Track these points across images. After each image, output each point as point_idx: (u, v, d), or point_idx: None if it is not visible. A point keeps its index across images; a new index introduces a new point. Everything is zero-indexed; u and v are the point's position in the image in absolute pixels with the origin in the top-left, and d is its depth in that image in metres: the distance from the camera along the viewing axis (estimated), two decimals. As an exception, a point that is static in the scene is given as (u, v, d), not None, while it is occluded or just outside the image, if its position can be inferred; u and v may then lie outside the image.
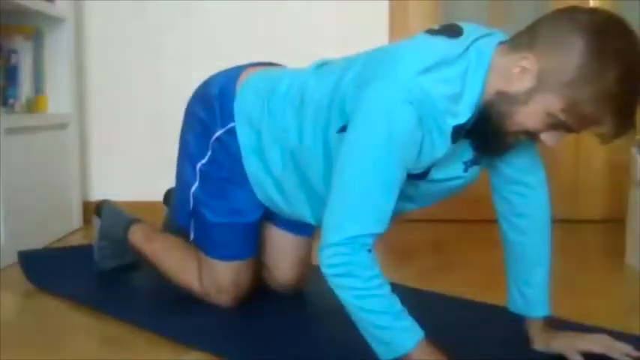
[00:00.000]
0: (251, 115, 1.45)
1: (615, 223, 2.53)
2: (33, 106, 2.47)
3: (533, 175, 1.33)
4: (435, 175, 1.23)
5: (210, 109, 1.51)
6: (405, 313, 1.15)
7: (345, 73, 1.28)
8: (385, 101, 1.11)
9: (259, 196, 1.50)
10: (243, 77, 1.51)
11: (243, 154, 1.47)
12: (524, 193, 1.32)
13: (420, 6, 2.80)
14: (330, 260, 1.14)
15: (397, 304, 1.15)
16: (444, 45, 1.17)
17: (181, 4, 2.78)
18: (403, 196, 1.20)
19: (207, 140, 1.51)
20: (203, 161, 1.52)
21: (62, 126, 2.52)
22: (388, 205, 1.14)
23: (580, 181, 2.86)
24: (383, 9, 2.77)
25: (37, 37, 2.46)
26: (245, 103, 1.47)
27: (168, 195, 1.98)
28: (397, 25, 2.77)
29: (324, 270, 1.15)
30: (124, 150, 2.85)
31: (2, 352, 1.34)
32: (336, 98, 1.26)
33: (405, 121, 1.11)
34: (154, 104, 2.80)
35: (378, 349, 1.16)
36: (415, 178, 1.22)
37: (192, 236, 1.57)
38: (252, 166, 1.47)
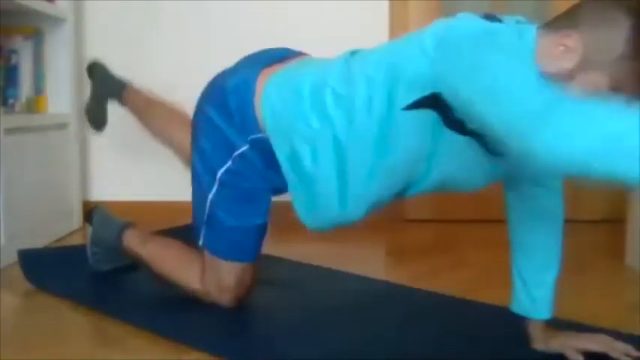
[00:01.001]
0: (282, 127, 1.38)
1: (615, 223, 2.54)
2: (33, 106, 2.47)
3: (552, 179, 1.32)
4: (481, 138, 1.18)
5: (229, 120, 1.45)
6: None
7: (397, 50, 1.23)
8: (478, 27, 1.12)
9: (318, 203, 1.39)
10: (261, 82, 1.43)
11: (283, 163, 1.39)
12: (544, 196, 1.32)
13: (420, 6, 2.80)
14: (548, 142, 0.92)
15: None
16: (492, 24, 1.16)
17: (182, 4, 2.78)
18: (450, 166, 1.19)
19: (226, 151, 1.46)
20: (223, 169, 1.47)
21: (62, 126, 2.52)
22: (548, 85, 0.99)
23: (579, 182, 2.86)
24: (383, 9, 2.78)
25: (37, 37, 2.46)
26: (273, 116, 1.39)
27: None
28: (397, 25, 2.77)
29: (550, 142, 0.91)
30: (124, 150, 2.85)
31: (2, 352, 1.34)
32: (401, 73, 1.19)
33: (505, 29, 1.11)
34: (154, 104, 2.79)
35: None
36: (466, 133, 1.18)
37: (201, 241, 1.53)
38: (289, 175, 1.40)
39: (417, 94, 1.17)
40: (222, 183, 1.48)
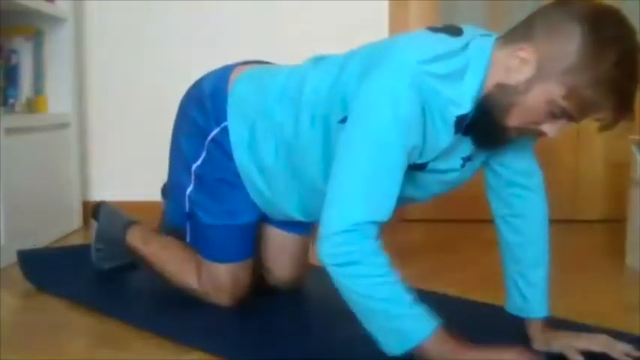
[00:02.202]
0: (245, 110, 1.45)
1: (615, 223, 2.54)
2: (33, 106, 2.47)
3: (531, 178, 1.33)
4: (433, 165, 1.22)
5: (203, 109, 1.52)
6: (417, 301, 1.12)
7: (346, 64, 1.28)
8: (389, 86, 1.12)
9: (249, 191, 1.50)
10: (235, 75, 1.51)
11: (234, 148, 1.47)
12: (522, 195, 1.33)
13: (420, 6, 2.80)
14: (334, 250, 1.11)
15: (409, 292, 1.12)
16: (444, 40, 1.18)
17: (181, 4, 2.78)
18: (402, 186, 1.19)
19: (201, 141, 1.51)
20: (198, 163, 1.52)
21: (62, 126, 2.52)
22: (393, 190, 1.13)
23: (580, 181, 2.86)
24: (383, 8, 2.77)
25: (37, 37, 2.46)
26: (238, 98, 1.47)
27: (166, 189, 1.98)
28: (397, 25, 2.77)
29: (327, 260, 1.12)
30: (124, 150, 2.85)
31: (2, 352, 1.34)
32: (338, 89, 1.26)
33: (409, 104, 1.11)
34: (154, 104, 2.79)
35: (388, 342, 1.12)
36: (414, 168, 1.21)
37: (188, 238, 1.56)
38: (243, 160, 1.47)
39: (345, 110, 1.22)
40: (197, 177, 1.52)
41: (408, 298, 1.12)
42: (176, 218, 1.59)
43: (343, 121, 1.22)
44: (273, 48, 2.66)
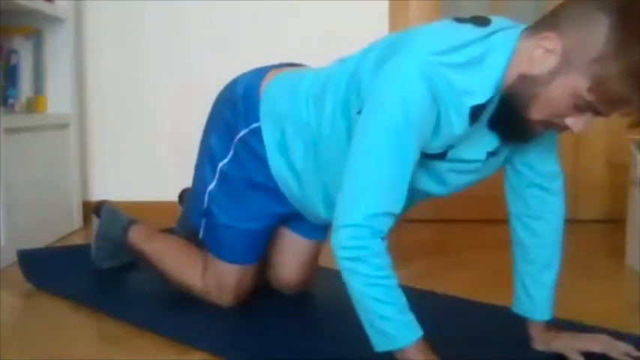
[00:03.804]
0: (275, 113, 1.45)
1: (615, 223, 2.54)
2: (33, 106, 2.47)
3: (553, 181, 1.32)
4: (455, 154, 1.21)
5: (235, 109, 1.51)
6: (408, 309, 1.15)
7: (364, 57, 1.27)
8: (399, 81, 1.11)
9: (284, 191, 1.49)
10: (269, 78, 1.51)
11: (268, 151, 1.46)
12: (543, 197, 1.32)
13: (420, 6, 2.80)
14: (345, 242, 1.13)
15: (403, 298, 1.15)
16: (466, 31, 1.16)
17: (181, 5, 2.78)
18: (422, 178, 1.21)
19: (230, 141, 1.51)
20: (224, 161, 1.51)
21: (62, 126, 2.52)
22: (403, 184, 1.13)
23: (580, 181, 2.86)
24: (383, 9, 2.77)
25: (37, 37, 2.46)
26: (270, 101, 1.47)
27: (183, 194, 1.98)
28: (397, 25, 2.77)
29: (338, 252, 1.14)
30: (124, 150, 2.85)
31: (2, 352, 1.34)
32: (354, 80, 1.26)
33: (419, 99, 1.10)
34: (154, 104, 2.80)
35: (375, 338, 1.16)
36: (434, 157, 1.20)
37: (201, 234, 1.56)
38: (276, 162, 1.47)
39: (361, 102, 1.21)
40: (222, 175, 1.51)
41: (400, 303, 1.15)
42: (193, 215, 1.59)
43: (360, 112, 1.21)
44: (273, 47, 2.65)
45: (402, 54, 1.14)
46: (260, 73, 1.54)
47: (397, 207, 1.14)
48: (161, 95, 2.79)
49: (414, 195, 1.23)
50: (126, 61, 2.82)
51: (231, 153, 1.51)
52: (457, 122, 1.14)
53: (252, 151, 1.48)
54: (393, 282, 1.15)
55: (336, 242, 1.14)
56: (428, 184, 1.26)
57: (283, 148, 1.45)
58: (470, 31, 1.17)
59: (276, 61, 1.65)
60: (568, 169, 2.81)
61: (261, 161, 1.48)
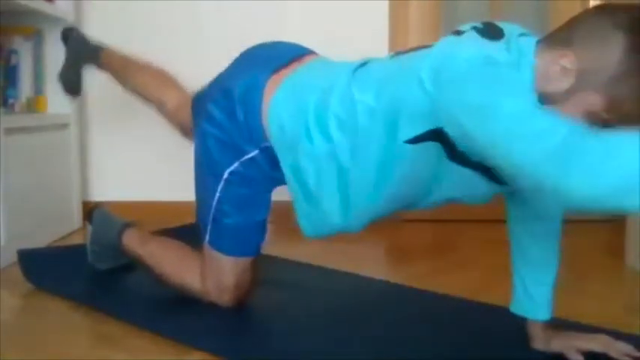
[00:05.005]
0: (288, 141, 1.38)
1: (615, 223, 2.54)
2: (33, 106, 2.47)
3: None
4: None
5: (238, 128, 1.45)
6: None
7: (396, 78, 1.20)
8: (467, 56, 1.06)
9: (299, 210, 1.42)
10: (269, 94, 1.42)
11: (287, 174, 1.41)
12: (540, 197, 1.30)
13: (420, 6, 2.80)
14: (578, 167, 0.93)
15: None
16: (493, 46, 1.12)
17: (181, 4, 2.78)
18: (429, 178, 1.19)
19: (235, 155, 1.47)
20: (230, 169, 1.48)
21: (62, 126, 2.52)
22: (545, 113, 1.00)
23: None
24: (383, 9, 2.77)
25: (37, 37, 2.46)
26: (279, 129, 1.39)
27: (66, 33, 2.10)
28: (397, 25, 2.77)
29: (581, 190, 0.92)
30: (124, 150, 2.85)
31: (3, 352, 1.34)
32: (401, 106, 1.17)
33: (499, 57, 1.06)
34: (154, 104, 2.80)
35: None
36: (476, 166, 1.17)
37: (207, 238, 1.53)
38: (291, 184, 1.41)
39: (418, 128, 1.15)
40: (228, 181, 1.49)
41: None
42: (200, 221, 1.56)
43: (413, 140, 1.16)
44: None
45: (456, 63, 1.07)
46: (258, 83, 1.44)
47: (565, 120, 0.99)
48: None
49: (437, 199, 1.23)
50: (126, 61, 2.82)
51: (236, 165, 1.47)
52: None
53: (261, 166, 1.46)
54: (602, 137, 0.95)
55: (575, 193, 0.93)
56: (454, 192, 1.23)
57: (296, 171, 1.38)
58: (494, 46, 1.11)
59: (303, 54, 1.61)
60: (568, 169, 2.85)
61: (267, 173, 1.46)
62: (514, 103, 1.00)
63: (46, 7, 2.38)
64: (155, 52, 2.81)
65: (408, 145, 1.17)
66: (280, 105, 1.40)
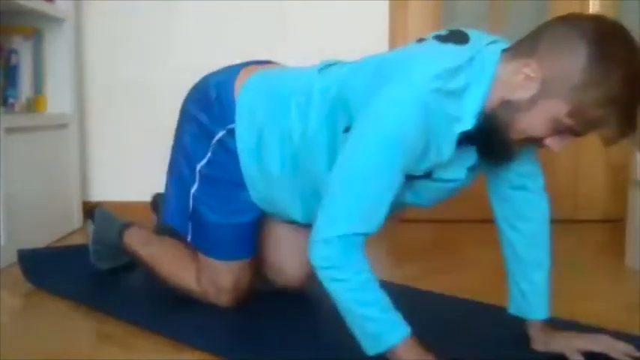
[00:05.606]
0: (253, 115, 1.45)
1: (615, 223, 2.54)
2: (33, 106, 2.47)
3: (534, 180, 1.34)
4: (438, 175, 1.24)
5: (209, 110, 1.51)
6: (394, 309, 1.16)
7: (352, 74, 1.28)
8: (398, 104, 1.12)
9: (252, 195, 1.50)
10: (242, 77, 1.50)
11: (241, 155, 1.47)
12: (525, 197, 1.33)
13: (420, 6, 2.80)
14: (321, 253, 1.16)
15: (386, 298, 1.16)
16: (453, 52, 1.18)
17: (182, 4, 2.78)
18: (402, 192, 1.21)
19: (206, 142, 1.51)
20: (202, 162, 1.51)
21: (62, 126, 2.52)
22: (384, 207, 1.15)
23: (579, 181, 2.86)
24: (383, 9, 2.77)
25: (37, 37, 2.46)
26: (247, 105, 1.46)
27: (157, 200, 1.96)
28: (397, 25, 2.77)
29: (315, 263, 1.17)
30: (124, 150, 2.85)
31: (2, 352, 1.34)
32: (343, 98, 1.27)
33: (414, 127, 1.12)
34: (154, 104, 2.80)
35: (365, 343, 1.17)
36: (419, 178, 1.23)
37: (189, 237, 1.55)
38: (249, 167, 1.47)
39: (350, 120, 1.23)
40: (202, 176, 1.51)
41: (383, 302, 1.16)
42: (175, 218, 1.58)
43: (347, 130, 1.23)
44: (272, 46, 2.66)
45: (401, 78, 1.14)
46: (231, 72, 1.53)
47: (374, 228, 1.17)
48: (161, 96, 2.78)
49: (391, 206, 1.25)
50: (126, 61, 2.82)
51: (209, 154, 1.50)
52: (446, 149, 1.17)
53: (231, 151, 1.48)
54: (375, 284, 1.16)
55: (313, 253, 1.17)
56: (406, 197, 1.28)
57: (257, 153, 1.45)
58: (455, 52, 1.18)
59: (277, 62, 1.65)
60: (568, 169, 2.85)
61: (237, 162, 1.48)
62: (376, 181, 1.14)
63: (46, 7, 2.38)
64: (156, 52, 2.82)
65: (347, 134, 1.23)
66: (252, 87, 1.47)
